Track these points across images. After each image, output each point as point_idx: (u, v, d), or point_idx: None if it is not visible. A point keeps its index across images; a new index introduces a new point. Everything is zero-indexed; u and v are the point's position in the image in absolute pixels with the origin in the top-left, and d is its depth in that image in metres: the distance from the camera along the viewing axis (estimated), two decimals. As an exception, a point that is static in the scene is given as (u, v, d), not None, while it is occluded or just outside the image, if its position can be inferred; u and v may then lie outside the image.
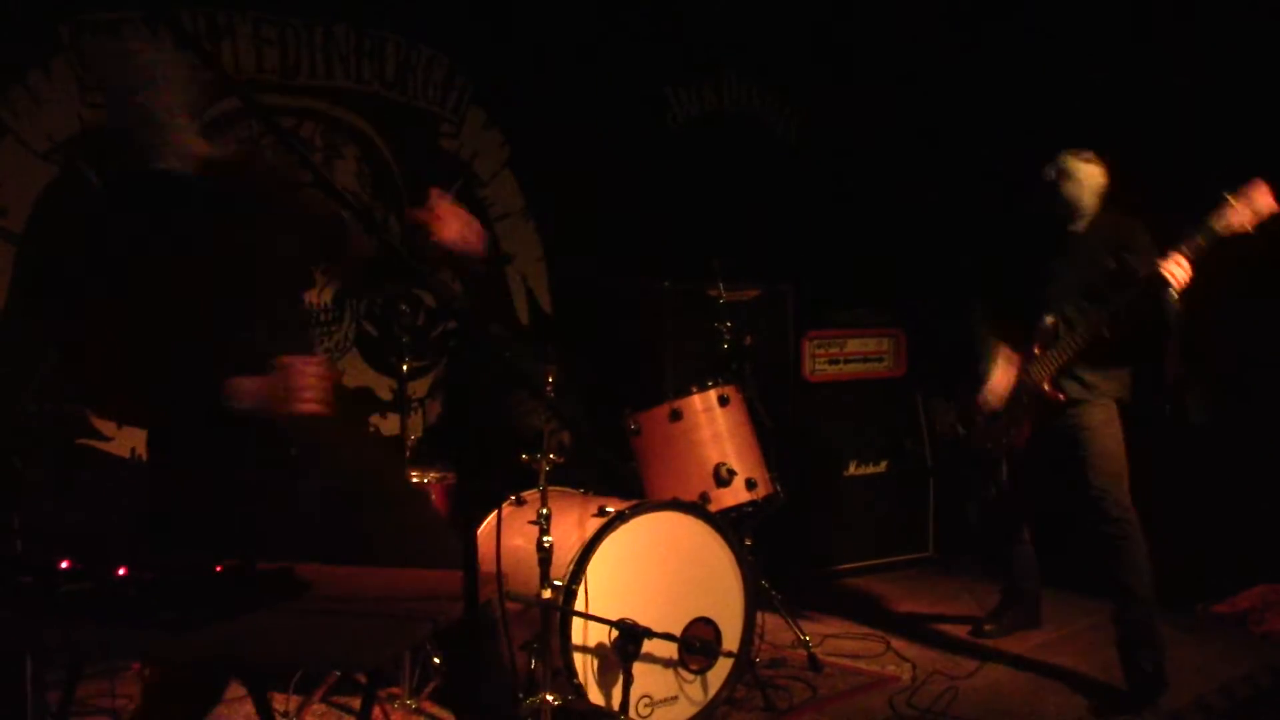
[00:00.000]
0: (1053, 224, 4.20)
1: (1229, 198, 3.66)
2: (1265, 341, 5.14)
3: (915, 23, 6.20)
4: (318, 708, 3.83)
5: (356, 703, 3.77)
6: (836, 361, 5.86)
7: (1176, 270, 3.70)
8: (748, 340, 4.55)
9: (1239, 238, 3.68)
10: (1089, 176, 4.09)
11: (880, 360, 5.97)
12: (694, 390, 4.25)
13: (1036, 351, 4.13)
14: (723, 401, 4.27)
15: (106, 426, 4.39)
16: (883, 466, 5.94)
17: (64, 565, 2.05)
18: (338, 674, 3.78)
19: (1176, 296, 3.76)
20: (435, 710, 3.84)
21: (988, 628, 4.76)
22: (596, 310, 5.58)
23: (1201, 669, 4.30)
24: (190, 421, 2.52)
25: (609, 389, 4.65)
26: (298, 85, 4.91)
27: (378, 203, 5.12)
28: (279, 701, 3.67)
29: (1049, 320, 4.11)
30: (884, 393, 5.92)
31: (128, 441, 4.41)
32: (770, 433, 4.48)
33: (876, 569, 5.85)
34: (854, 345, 5.90)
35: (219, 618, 1.97)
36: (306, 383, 2.45)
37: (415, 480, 4.16)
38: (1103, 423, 4.10)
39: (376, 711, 3.69)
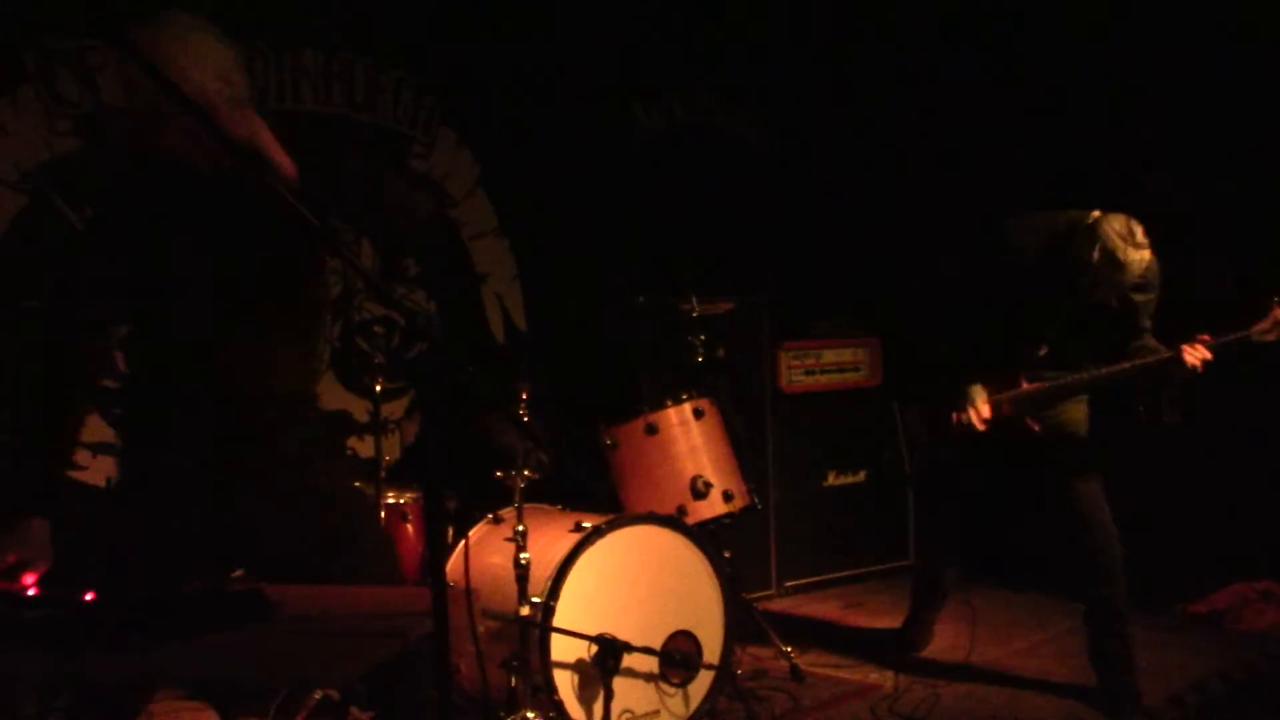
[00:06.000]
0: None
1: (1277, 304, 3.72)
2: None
3: (885, 28, 6.25)
4: (298, 732, 3.81)
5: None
6: (812, 372, 5.88)
7: (1198, 359, 3.71)
8: (720, 352, 4.57)
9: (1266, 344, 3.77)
10: (1137, 265, 3.65)
11: (856, 370, 6.00)
12: (668, 404, 4.26)
13: (1024, 386, 4.01)
14: (697, 414, 4.28)
15: (82, 455, 4.36)
16: (861, 476, 5.96)
17: (30, 592, 2.04)
18: (316, 697, 3.76)
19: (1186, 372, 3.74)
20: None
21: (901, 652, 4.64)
22: (570, 327, 5.59)
23: (1180, 667, 4.32)
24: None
25: (584, 405, 4.66)
26: (267, 109, 4.91)
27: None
28: (258, 727, 3.65)
29: (1041, 352, 3.98)
30: (860, 402, 5.94)
31: (103, 469, 4.38)
32: (746, 444, 4.49)
33: (857, 578, 5.87)
34: (829, 355, 5.93)
35: (189, 638, 1.97)
36: None
37: (392, 501, 4.16)
38: (1081, 462, 4.04)
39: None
